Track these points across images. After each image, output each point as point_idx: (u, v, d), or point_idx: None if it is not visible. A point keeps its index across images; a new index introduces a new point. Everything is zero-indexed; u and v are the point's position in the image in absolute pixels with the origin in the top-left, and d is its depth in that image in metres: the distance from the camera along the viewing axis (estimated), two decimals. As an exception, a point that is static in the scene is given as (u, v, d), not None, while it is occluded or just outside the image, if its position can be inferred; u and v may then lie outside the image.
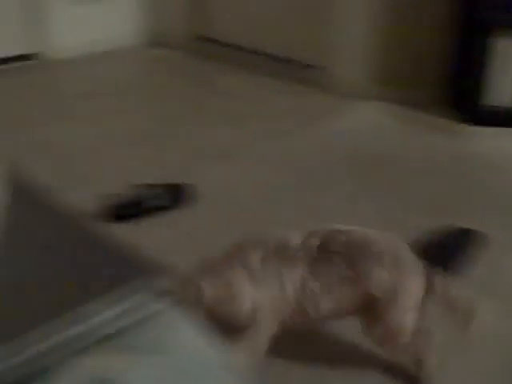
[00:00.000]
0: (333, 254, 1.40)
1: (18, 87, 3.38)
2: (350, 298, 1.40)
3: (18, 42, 3.66)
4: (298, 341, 1.59)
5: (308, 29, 3.60)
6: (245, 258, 1.39)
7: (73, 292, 0.62)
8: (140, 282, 0.70)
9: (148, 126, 3.00)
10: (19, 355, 0.55)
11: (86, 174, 2.47)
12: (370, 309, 1.40)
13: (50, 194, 0.73)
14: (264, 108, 3.30)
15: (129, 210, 2.15)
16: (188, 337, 0.77)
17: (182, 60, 4.02)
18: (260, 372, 1.32)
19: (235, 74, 3.74)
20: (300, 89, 3.52)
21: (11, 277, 0.57)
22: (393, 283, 1.39)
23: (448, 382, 1.54)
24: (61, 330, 0.59)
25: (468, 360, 1.60)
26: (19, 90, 3.35)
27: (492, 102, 3.13)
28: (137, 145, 2.77)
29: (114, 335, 0.68)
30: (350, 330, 1.53)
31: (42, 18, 3.70)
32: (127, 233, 1.79)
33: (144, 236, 1.97)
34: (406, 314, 1.41)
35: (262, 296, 1.37)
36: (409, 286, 1.41)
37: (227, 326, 1.33)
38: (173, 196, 2.25)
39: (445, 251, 2.02)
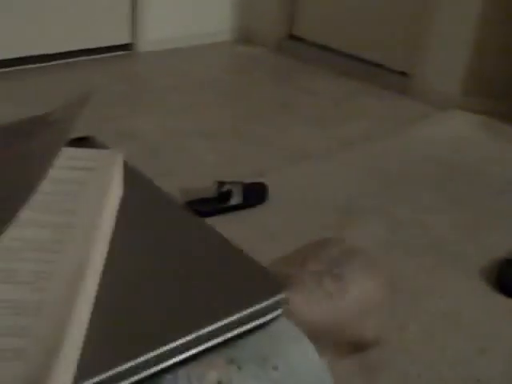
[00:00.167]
0: None
1: (109, 77, 3.47)
2: None
3: (111, 32, 3.76)
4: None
5: (401, 34, 3.55)
6: None
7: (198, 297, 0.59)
8: (268, 294, 0.67)
9: (233, 123, 3.02)
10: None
11: (170, 168, 2.51)
12: None
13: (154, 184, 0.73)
14: (350, 111, 3.27)
15: (209, 207, 2.17)
16: (300, 351, 0.75)
17: (271, 58, 4.03)
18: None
19: (323, 76, 3.73)
20: (388, 94, 3.49)
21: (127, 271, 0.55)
22: None
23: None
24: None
25: None
26: (110, 79, 3.44)
27: None
28: (221, 140, 2.80)
29: (225, 344, 0.66)
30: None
31: (136, 10, 3.78)
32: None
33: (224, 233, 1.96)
34: None
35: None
36: None
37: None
38: (253, 194, 2.24)
39: None
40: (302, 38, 4.06)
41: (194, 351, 0.56)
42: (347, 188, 2.46)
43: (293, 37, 4.10)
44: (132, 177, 0.70)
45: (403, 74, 3.56)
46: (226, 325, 0.57)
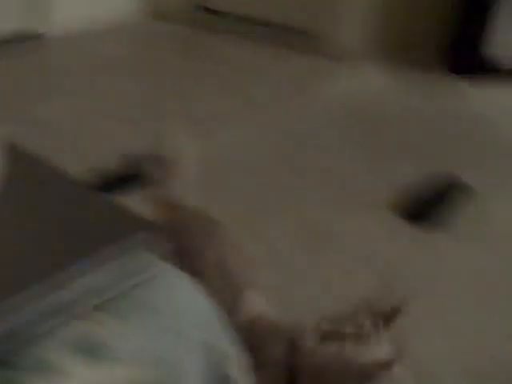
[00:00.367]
0: None
1: (15, 64, 3.37)
2: None
3: (17, 17, 3.64)
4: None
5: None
6: None
7: (67, 250, 0.62)
8: (138, 240, 0.69)
9: (146, 99, 2.99)
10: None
11: (80, 148, 2.48)
12: None
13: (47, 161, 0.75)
14: (263, 76, 3.29)
15: (116, 182, 2.16)
16: (185, 298, 0.76)
17: (182, 33, 3.97)
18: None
19: (235, 44, 3.71)
20: (299, 55, 3.50)
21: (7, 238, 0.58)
22: None
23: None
24: (48, 294, 0.59)
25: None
26: (17, 67, 3.35)
27: (495, 55, 3.14)
28: (131, 118, 2.77)
29: (105, 298, 0.68)
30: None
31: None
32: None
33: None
34: None
35: None
36: None
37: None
38: (160, 167, 2.22)
39: (432, 199, 2.16)
40: (211, 8, 4.04)
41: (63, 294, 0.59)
42: (262, 150, 2.49)
43: (203, 8, 4.07)
44: (21, 156, 0.72)
45: (313, 33, 3.57)
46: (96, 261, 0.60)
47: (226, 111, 2.85)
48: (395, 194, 2.20)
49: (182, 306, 0.76)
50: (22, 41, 3.65)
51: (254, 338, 0.99)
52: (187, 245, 1.17)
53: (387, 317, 0.96)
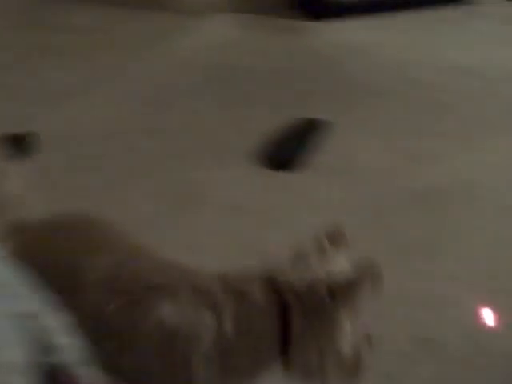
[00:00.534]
0: None
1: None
2: None
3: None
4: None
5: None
6: None
7: None
8: None
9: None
10: None
11: None
12: None
13: None
14: (114, 38, 3.08)
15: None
16: None
17: (17, 2, 3.60)
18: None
19: (81, 10, 3.37)
20: (148, 14, 3.32)
21: None
22: None
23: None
24: None
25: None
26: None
27: None
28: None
29: None
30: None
31: None
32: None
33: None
34: None
35: None
36: None
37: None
38: (16, 146, 2.11)
39: (293, 142, 2.17)
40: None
41: None
42: (120, 116, 2.43)
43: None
44: None
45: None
46: None
47: (73, 82, 2.64)
48: (257, 143, 2.19)
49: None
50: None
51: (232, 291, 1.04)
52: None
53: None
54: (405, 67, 2.86)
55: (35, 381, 0.74)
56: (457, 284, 1.63)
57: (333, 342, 1.05)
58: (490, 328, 1.55)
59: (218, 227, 1.82)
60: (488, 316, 1.58)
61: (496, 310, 1.57)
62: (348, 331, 1.05)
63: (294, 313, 1.04)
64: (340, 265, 1.06)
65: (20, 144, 2.02)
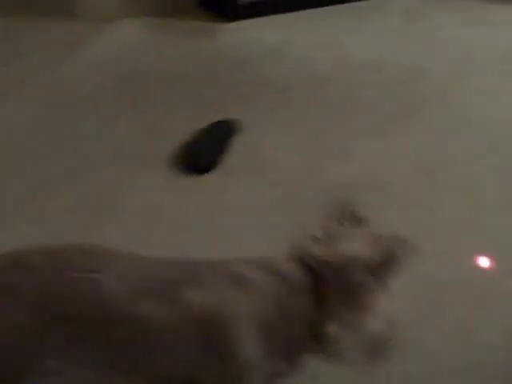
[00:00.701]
0: None
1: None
2: None
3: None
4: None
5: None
6: None
7: None
8: None
9: None
10: None
11: None
12: None
13: None
14: (24, 47, 3.03)
15: None
16: None
17: None
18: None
19: None
20: (58, 21, 3.29)
21: None
22: None
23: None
24: None
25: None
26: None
27: None
28: None
29: None
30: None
31: None
32: None
33: None
34: None
35: None
36: None
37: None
38: None
39: (208, 145, 2.21)
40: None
41: None
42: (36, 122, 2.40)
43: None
44: None
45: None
46: None
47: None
48: (172, 147, 2.22)
49: None
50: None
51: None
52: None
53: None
54: (313, 64, 2.92)
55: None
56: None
57: (367, 318, 1.09)
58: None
59: (140, 235, 1.82)
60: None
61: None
62: (381, 307, 1.09)
63: (331, 289, 1.07)
64: (363, 242, 1.10)
65: None
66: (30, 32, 3.14)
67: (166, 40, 3.16)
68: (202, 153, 2.17)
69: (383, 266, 1.07)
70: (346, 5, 3.65)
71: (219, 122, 2.33)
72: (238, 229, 1.83)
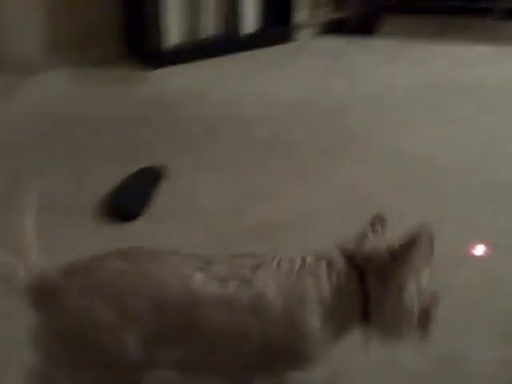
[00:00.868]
0: None
1: None
2: None
3: None
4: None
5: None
6: None
7: None
8: None
9: None
10: None
11: None
12: None
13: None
14: None
15: None
16: None
17: None
18: None
19: None
20: None
21: None
22: None
23: None
24: None
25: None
26: None
27: (166, 43, 3.39)
28: None
29: None
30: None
31: None
32: None
33: None
34: None
35: None
36: None
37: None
38: None
39: (135, 191, 2.20)
40: None
41: None
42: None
43: None
44: None
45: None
46: None
47: None
48: (99, 196, 2.19)
49: None
50: None
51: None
52: None
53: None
54: (239, 106, 2.96)
55: None
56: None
57: (403, 301, 1.18)
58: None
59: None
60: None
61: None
62: (414, 289, 1.18)
63: (370, 276, 1.18)
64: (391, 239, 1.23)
65: None
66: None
67: (93, 89, 3.17)
68: (129, 200, 2.15)
69: (405, 248, 1.17)
70: (270, 48, 3.75)
71: (146, 168, 2.32)
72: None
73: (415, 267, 1.18)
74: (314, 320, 1.15)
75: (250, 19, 3.71)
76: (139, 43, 3.46)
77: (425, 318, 1.21)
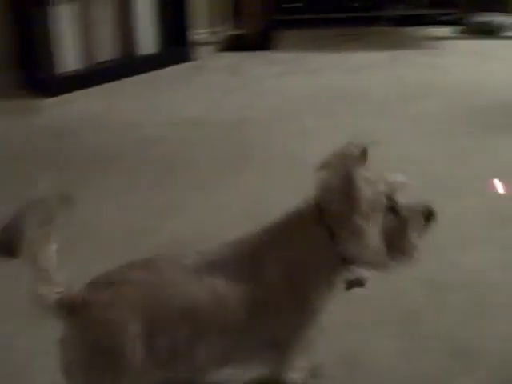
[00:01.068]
0: None
1: None
2: None
3: None
4: None
5: None
6: None
7: None
8: None
9: None
10: None
11: None
12: None
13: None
14: None
15: None
16: None
17: None
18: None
19: None
20: None
21: None
22: None
23: None
24: None
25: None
26: None
27: (61, 70, 3.39)
28: None
29: None
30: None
31: None
32: None
33: None
34: None
35: None
36: None
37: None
38: None
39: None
40: None
41: None
42: None
43: None
44: None
45: None
46: None
47: None
48: None
49: None
50: None
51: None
52: None
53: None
54: (140, 128, 2.95)
55: None
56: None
57: (368, 231, 1.14)
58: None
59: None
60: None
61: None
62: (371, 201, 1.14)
63: (330, 218, 1.18)
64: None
65: None
66: None
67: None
68: (22, 233, 2.09)
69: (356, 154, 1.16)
70: (169, 68, 3.77)
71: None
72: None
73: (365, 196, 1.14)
74: (309, 279, 1.20)
75: (147, 41, 3.73)
76: (33, 72, 3.41)
77: (402, 238, 1.19)
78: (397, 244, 1.18)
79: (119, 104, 3.28)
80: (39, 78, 3.37)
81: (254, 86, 3.50)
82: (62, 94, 3.31)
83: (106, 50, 3.56)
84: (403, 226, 1.18)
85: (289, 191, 2.41)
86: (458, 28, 4.46)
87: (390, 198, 1.18)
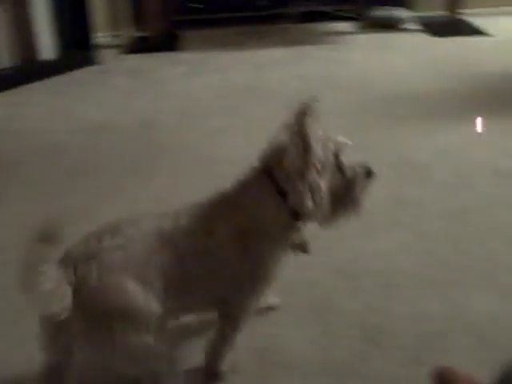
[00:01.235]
0: None
1: None
2: None
3: None
4: None
5: None
6: None
7: None
8: None
9: None
10: None
11: None
12: None
13: None
14: None
15: None
16: None
17: None
18: None
19: None
20: None
21: None
22: None
23: None
24: None
25: None
26: None
27: None
28: None
29: None
30: None
31: None
32: None
33: None
34: None
35: None
36: None
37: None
38: None
39: None
40: None
41: None
42: None
43: None
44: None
45: None
46: None
47: None
48: None
49: None
50: None
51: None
52: None
53: None
54: (44, 134, 2.87)
55: None
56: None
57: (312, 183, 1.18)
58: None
59: None
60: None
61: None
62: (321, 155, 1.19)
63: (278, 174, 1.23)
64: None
65: None
66: None
67: None
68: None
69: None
70: (73, 73, 3.68)
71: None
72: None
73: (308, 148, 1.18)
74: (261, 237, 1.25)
75: (47, 45, 3.62)
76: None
77: (347, 194, 1.25)
78: (343, 200, 1.24)
79: (23, 111, 3.17)
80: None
81: (161, 88, 3.47)
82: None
83: (4, 57, 3.42)
84: (349, 184, 1.24)
85: (201, 190, 2.41)
86: (359, 23, 4.60)
87: (337, 157, 1.22)
